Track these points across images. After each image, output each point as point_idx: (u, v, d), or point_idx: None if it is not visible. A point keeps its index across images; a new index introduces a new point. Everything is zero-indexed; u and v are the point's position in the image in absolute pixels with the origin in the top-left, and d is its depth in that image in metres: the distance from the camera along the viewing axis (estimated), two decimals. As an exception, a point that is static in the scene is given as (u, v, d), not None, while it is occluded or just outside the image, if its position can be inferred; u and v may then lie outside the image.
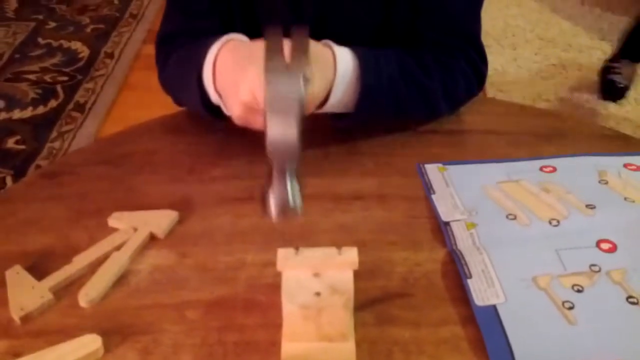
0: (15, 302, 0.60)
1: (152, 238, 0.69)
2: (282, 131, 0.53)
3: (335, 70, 0.74)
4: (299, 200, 0.54)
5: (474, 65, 0.87)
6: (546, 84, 2.48)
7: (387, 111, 0.81)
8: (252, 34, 0.75)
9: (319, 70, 0.70)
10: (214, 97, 0.76)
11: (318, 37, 0.76)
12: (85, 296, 0.61)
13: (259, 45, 0.62)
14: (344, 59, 0.75)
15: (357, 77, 0.76)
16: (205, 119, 0.80)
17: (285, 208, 0.54)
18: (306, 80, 0.55)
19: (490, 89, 2.38)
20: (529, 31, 2.86)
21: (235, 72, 0.68)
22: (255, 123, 0.68)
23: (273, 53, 0.55)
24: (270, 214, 0.55)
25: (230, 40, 0.74)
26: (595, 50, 2.71)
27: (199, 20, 0.86)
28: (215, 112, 0.78)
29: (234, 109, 0.69)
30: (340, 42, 0.77)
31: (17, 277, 0.63)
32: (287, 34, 0.61)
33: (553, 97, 2.38)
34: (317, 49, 0.73)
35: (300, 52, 0.57)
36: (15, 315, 0.59)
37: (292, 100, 0.53)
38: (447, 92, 0.85)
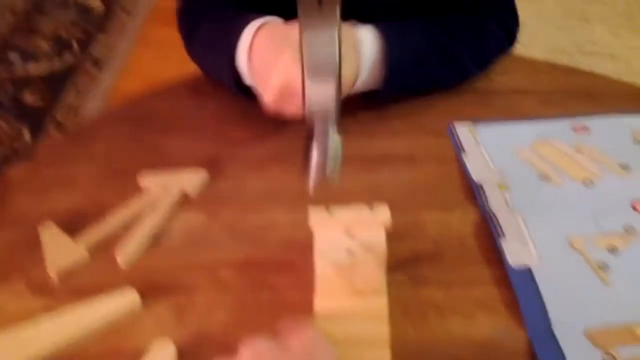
0: (51, 260, 0.61)
1: (183, 197, 0.69)
2: (321, 90, 0.52)
3: (359, 53, 0.73)
4: (338, 162, 0.55)
5: (504, 24, 0.85)
6: (568, 37, 2.43)
7: (416, 86, 0.81)
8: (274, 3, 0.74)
9: (347, 57, 0.69)
10: (249, 80, 0.76)
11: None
12: (124, 255, 0.61)
13: (293, 30, 0.61)
14: (368, 39, 0.74)
15: (382, 57, 0.75)
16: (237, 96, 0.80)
17: (324, 169, 0.54)
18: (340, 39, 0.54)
19: (512, 44, 2.33)
20: (551, -17, 2.79)
21: (270, 57, 0.68)
22: (287, 109, 0.68)
23: (307, 13, 0.54)
24: (310, 174, 0.55)
25: (266, 24, 0.73)
26: (619, 2, 2.64)
27: None
28: (248, 92, 0.77)
29: (266, 95, 0.69)
30: (365, 9, 0.75)
31: (52, 234, 0.64)
32: None
33: (575, 50, 2.34)
34: (343, 30, 0.72)
35: (333, 10, 0.56)
36: (53, 273, 0.60)
37: (330, 59, 0.52)
38: (477, 57, 0.84)
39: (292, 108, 0.68)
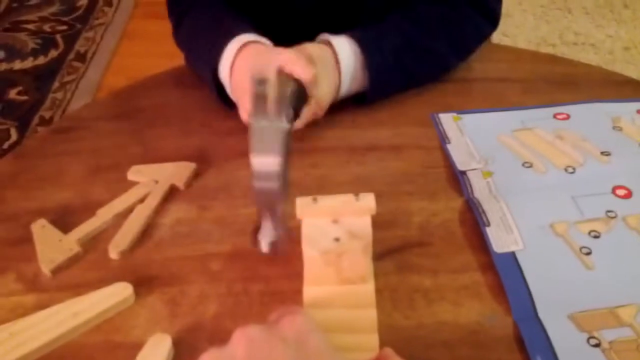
0: (44, 255, 0.61)
1: (172, 190, 0.69)
2: (265, 182, 0.55)
3: (339, 68, 0.74)
4: (284, 241, 0.58)
5: (480, 6, 0.85)
6: (551, 28, 2.44)
7: (400, 86, 0.82)
8: None
9: (324, 75, 0.72)
10: (232, 96, 0.78)
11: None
12: (116, 248, 0.62)
13: (275, 55, 0.67)
14: (345, 51, 0.75)
15: (361, 65, 0.76)
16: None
17: (274, 246, 0.58)
18: (290, 122, 0.57)
19: (495, 34, 2.34)
20: (534, -27, 2.80)
21: (246, 80, 0.68)
22: None
23: (258, 98, 0.56)
24: (260, 249, 0.58)
25: (248, 45, 0.74)
26: (602, -9, 2.66)
27: None
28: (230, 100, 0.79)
29: (243, 114, 0.72)
30: (338, 8, 0.76)
31: (43, 230, 0.64)
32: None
33: (559, 41, 2.36)
34: (317, 51, 0.73)
35: (283, 93, 0.60)
36: (46, 268, 0.60)
37: (276, 143, 0.55)
38: (456, 47, 0.84)
39: None
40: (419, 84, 0.84)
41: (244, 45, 0.74)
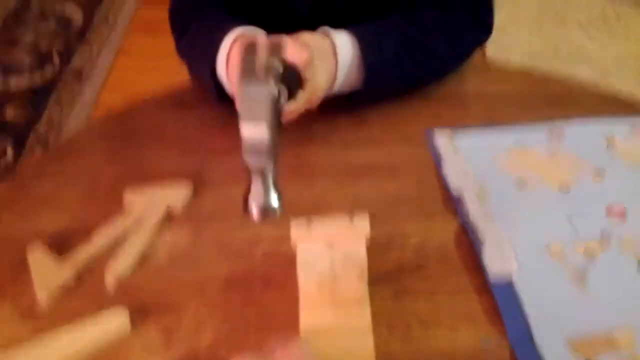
0: (40, 281, 0.61)
1: (169, 213, 0.69)
2: (254, 136, 0.54)
3: (336, 60, 0.75)
4: (277, 203, 0.56)
5: (475, 14, 0.86)
6: (544, 40, 2.45)
7: (395, 84, 0.82)
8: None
9: (320, 63, 0.72)
10: (229, 89, 0.78)
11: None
12: (112, 274, 0.62)
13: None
14: (343, 45, 0.76)
15: (359, 59, 0.77)
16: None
17: (265, 210, 0.56)
18: (278, 81, 0.56)
19: (490, 47, 2.35)
20: (528, -14, 2.82)
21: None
22: None
23: (247, 62, 0.56)
24: (252, 216, 0.56)
25: (241, 37, 0.75)
26: (594, 5, 2.68)
27: None
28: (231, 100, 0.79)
29: (238, 104, 0.71)
30: (340, 8, 0.77)
31: (40, 256, 0.64)
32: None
33: (552, 53, 2.37)
34: (316, 41, 0.74)
35: (275, 56, 0.59)
36: (42, 295, 0.60)
37: (263, 106, 0.54)
38: (453, 47, 0.85)
39: None
40: (418, 83, 0.85)
41: (239, 37, 0.75)
